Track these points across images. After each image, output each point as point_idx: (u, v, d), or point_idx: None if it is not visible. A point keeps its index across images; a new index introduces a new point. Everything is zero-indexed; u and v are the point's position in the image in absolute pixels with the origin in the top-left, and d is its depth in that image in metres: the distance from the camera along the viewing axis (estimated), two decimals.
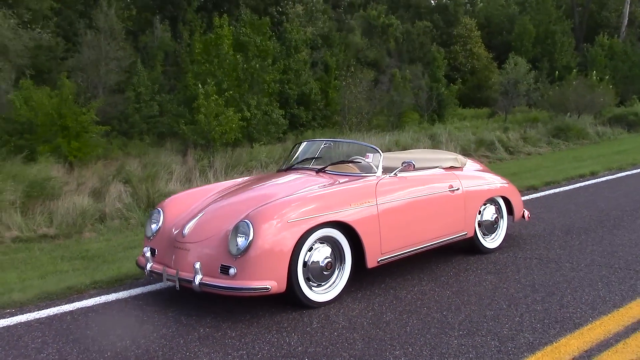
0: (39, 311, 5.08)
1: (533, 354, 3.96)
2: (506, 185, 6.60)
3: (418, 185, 5.68)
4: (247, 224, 4.62)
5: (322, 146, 6.12)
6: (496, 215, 6.44)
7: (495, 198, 6.48)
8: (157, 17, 24.55)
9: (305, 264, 4.83)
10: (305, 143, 6.33)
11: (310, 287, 4.88)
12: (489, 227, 6.39)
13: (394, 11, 34.62)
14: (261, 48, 18.31)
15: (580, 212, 8.27)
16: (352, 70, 23.73)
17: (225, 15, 19.28)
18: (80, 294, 5.51)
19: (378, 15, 30.32)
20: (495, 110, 28.14)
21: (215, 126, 14.87)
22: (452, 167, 6.24)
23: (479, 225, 6.31)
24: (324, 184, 5.40)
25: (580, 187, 10.44)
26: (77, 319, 4.88)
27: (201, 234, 4.94)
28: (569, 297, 4.98)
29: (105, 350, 4.22)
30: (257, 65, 17.97)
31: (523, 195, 9.29)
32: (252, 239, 4.55)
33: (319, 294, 4.94)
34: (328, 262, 4.92)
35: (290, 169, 6.02)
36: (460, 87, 30.77)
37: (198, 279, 4.60)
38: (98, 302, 5.26)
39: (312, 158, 6.03)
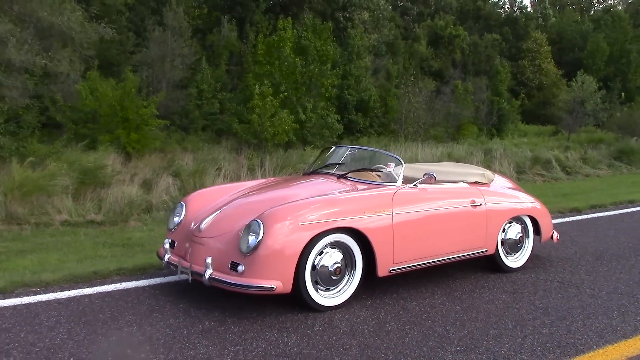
0: (61, 292, 5.32)
1: None
2: (535, 205, 6.51)
3: (438, 198, 5.69)
4: (259, 223, 4.73)
5: (347, 152, 6.19)
6: (521, 234, 6.36)
7: (522, 217, 6.41)
8: (226, 17, 25.01)
9: (314, 267, 4.91)
10: (333, 148, 6.42)
11: (317, 290, 4.95)
12: (513, 246, 6.32)
13: (463, 22, 34.30)
14: (321, 52, 18.47)
15: (618, 238, 8.07)
16: (413, 79, 23.61)
17: (289, 18, 19.54)
18: (104, 279, 5.73)
19: (445, 25, 30.11)
20: (560, 128, 27.56)
21: (268, 127, 15.09)
22: (477, 183, 6.20)
23: (502, 243, 6.25)
24: (342, 189, 5.47)
25: (626, 212, 10.16)
26: (94, 302, 5.09)
27: (216, 230, 5.08)
28: (579, 323, 4.89)
29: (111, 334, 4.41)
30: (316, 70, 18.13)
31: (565, 217, 9.20)
32: (262, 238, 4.66)
33: (326, 298, 5.01)
34: (337, 267, 4.99)
35: (314, 172, 6.12)
36: (525, 103, 30.25)
37: (208, 273, 4.74)
38: (117, 288, 5.46)
39: (337, 164, 6.10)
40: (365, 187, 5.54)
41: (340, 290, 5.10)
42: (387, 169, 5.72)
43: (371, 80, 23.38)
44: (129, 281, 5.68)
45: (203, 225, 5.17)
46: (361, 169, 5.89)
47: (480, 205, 5.90)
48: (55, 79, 17.81)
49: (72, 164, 12.20)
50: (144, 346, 4.22)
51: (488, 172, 6.52)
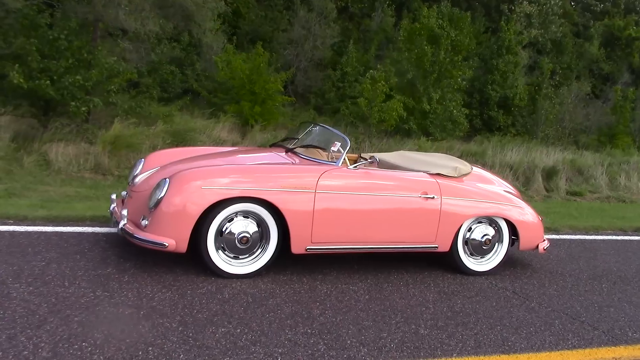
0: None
1: None
2: (517, 209, 6.07)
3: (379, 183, 5.55)
4: (165, 181, 4.97)
5: (310, 128, 6.18)
6: (488, 236, 5.98)
7: (496, 219, 6.02)
8: (385, 1, 25.06)
9: (222, 233, 5.04)
10: (305, 124, 6.44)
11: (223, 256, 5.07)
12: (477, 248, 5.97)
13: None
14: (455, 42, 18.00)
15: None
16: (558, 79, 22.15)
17: (434, 6, 19.25)
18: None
19: (625, 26, 27.70)
20: None
21: (376, 112, 15.11)
22: (440, 175, 5.91)
23: (466, 243, 5.93)
24: (281, 162, 5.53)
25: None
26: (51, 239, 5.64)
27: (144, 185, 5.40)
28: (472, 330, 4.59)
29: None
30: (447, 60, 17.73)
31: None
32: (163, 196, 4.89)
33: (232, 265, 5.12)
34: (243, 236, 5.08)
35: (274, 145, 6.20)
36: None
37: (121, 224, 5.06)
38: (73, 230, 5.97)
39: (296, 138, 6.13)
40: (306, 162, 5.54)
41: (250, 260, 5.18)
42: (333, 149, 5.66)
43: (522, 78, 22.28)
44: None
45: (137, 180, 5.51)
46: (309, 145, 5.88)
47: (434, 198, 5.65)
48: (199, 49, 19.06)
49: (175, 125, 13.19)
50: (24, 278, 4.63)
51: (463, 167, 6.17)
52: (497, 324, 4.75)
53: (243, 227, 5.10)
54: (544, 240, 6.36)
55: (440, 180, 5.80)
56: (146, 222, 4.96)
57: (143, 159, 6.02)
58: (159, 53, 18.42)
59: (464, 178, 6.09)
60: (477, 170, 6.61)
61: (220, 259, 5.09)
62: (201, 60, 19.19)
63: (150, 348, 3.71)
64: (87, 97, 12.03)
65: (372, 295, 5.12)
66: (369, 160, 5.57)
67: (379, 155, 6.65)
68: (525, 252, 6.80)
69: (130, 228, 4.99)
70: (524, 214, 6.13)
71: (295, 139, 6.18)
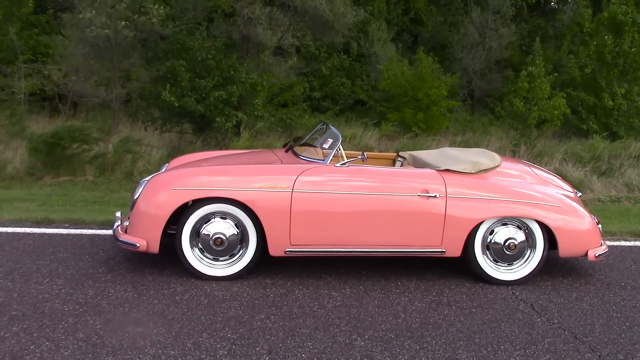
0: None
1: None
2: (555, 208, 5.21)
3: (371, 181, 5.10)
4: (142, 183, 5.08)
5: (317, 127, 5.88)
6: (513, 240, 5.21)
7: (525, 221, 5.23)
8: None
9: (199, 234, 5.02)
10: (319, 124, 6.16)
11: (201, 258, 5.05)
12: (500, 254, 5.23)
13: None
14: None
15: None
16: None
17: None
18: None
19: None
20: None
21: (535, 111, 14.00)
22: (449, 171, 5.28)
23: (487, 248, 5.24)
24: (270, 162, 5.37)
25: None
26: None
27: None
28: (419, 346, 4.05)
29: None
30: (632, 50, 15.85)
31: None
32: (137, 198, 5.00)
33: (210, 267, 5.07)
34: (217, 237, 5.00)
35: (285, 145, 6.02)
36: None
37: (115, 226, 5.27)
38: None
39: (302, 138, 5.88)
40: (289, 161, 5.31)
41: (230, 262, 5.09)
42: (324, 146, 5.34)
43: None
44: None
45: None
46: (306, 144, 5.60)
47: (436, 196, 5.07)
48: (368, 59, 19.17)
49: None
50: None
51: (486, 161, 5.43)
52: (448, 341, 4.12)
53: (218, 228, 5.01)
54: (602, 245, 5.39)
55: (447, 178, 5.18)
56: (127, 224, 5.09)
57: (167, 164, 6.18)
58: (329, 66, 18.90)
59: (488, 174, 5.37)
60: (510, 164, 5.80)
61: (197, 260, 5.05)
62: (372, 70, 19.24)
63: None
64: (233, 112, 12.70)
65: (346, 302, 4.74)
66: (358, 157, 5.16)
67: (415, 153, 6.16)
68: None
69: (118, 231, 5.14)
70: (565, 216, 5.23)
71: (301, 138, 5.94)
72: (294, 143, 5.85)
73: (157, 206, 4.93)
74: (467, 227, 5.13)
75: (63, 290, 4.68)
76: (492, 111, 19.58)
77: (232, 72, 12.82)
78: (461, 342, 4.09)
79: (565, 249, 5.26)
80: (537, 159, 13.25)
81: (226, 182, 4.95)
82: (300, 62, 17.63)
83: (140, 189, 5.04)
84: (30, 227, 6.38)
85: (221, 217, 5.04)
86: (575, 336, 4.26)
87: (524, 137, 14.06)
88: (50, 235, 6.13)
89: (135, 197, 5.04)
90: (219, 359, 3.73)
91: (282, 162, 5.29)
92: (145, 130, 13.54)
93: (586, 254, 5.29)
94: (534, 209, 5.19)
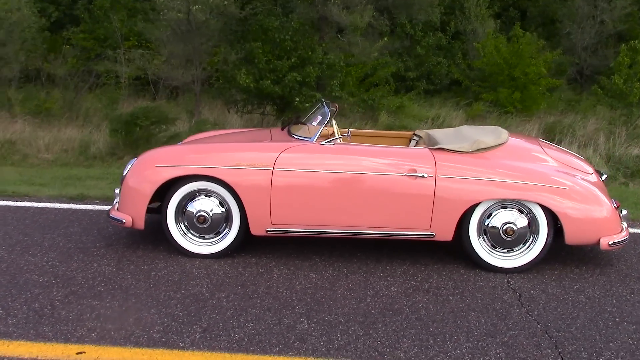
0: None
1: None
2: (562, 191, 4.75)
3: (356, 160, 4.88)
4: (132, 161, 5.16)
5: (317, 106, 5.68)
6: (512, 225, 4.81)
7: (527, 204, 4.81)
8: None
9: (184, 211, 5.04)
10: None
11: (187, 235, 5.06)
12: (497, 239, 4.85)
13: None
14: None
15: None
16: None
17: None
18: None
19: None
20: None
21: (636, 88, 12.94)
22: (443, 150, 4.93)
23: (484, 232, 4.88)
24: (259, 140, 5.28)
25: None
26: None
27: None
28: (367, 330, 3.85)
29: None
30: None
31: None
32: (125, 175, 5.09)
33: (196, 245, 5.07)
34: (200, 215, 4.99)
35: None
36: None
37: (113, 203, 5.39)
38: None
39: (301, 116, 5.72)
40: (277, 139, 5.19)
41: (215, 240, 5.07)
42: (313, 124, 5.17)
43: None
44: None
45: None
46: (298, 122, 5.43)
47: (424, 176, 4.77)
48: (464, 37, 18.49)
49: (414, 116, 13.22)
50: None
51: (488, 140, 5.01)
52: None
53: (202, 206, 5.00)
54: (621, 232, 4.86)
55: (439, 157, 4.85)
56: (117, 200, 5.20)
57: (182, 142, 6.24)
58: (424, 45, 18.39)
59: (488, 153, 4.97)
60: (518, 143, 5.35)
61: (182, 237, 5.06)
62: (470, 48, 18.50)
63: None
64: (311, 92, 12.69)
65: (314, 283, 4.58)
66: (343, 135, 4.95)
67: (431, 132, 5.84)
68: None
69: (113, 208, 5.25)
70: (573, 199, 4.74)
71: (300, 116, 5.79)
72: (292, 122, 5.71)
73: (142, 183, 4.98)
74: (458, 209, 4.79)
75: (49, 263, 4.84)
76: (602, 89, 18.34)
77: (310, 53, 12.79)
78: (412, 331, 3.83)
79: (572, 236, 4.78)
80: (633, 140, 12.23)
81: (207, 160, 4.92)
82: (395, 42, 17.30)
83: (129, 166, 5.11)
84: (59, 203, 6.65)
85: (206, 195, 5.02)
86: (546, 331, 3.87)
87: (623, 116, 13.03)
88: (74, 210, 6.37)
89: (124, 174, 5.12)
90: (151, 335, 3.71)
91: (271, 141, 5.18)
92: (228, 112, 13.79)
93: (598, 242, 4.79)
94: (536, 192, 4.75)
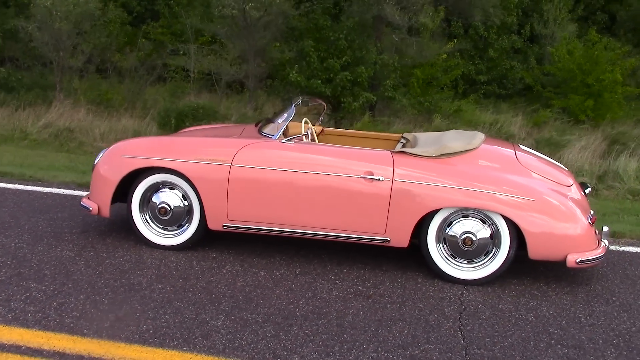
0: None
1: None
2: (527, 202, 4.46)
3: (313, 159, 4.76)
4: (104, 150, 5.27)
5: (294, 103, 5.55)
6: (470, 235, 4.55)
7: (489, 214, 4.55)
8: None
9: (149, 203, 5.10)
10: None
11: (149, 225, 5.11)
12: (456, 248, 4.60)
13: None
14: None
15: None
16: None
17: None
18: None
19: None
20: None
21: None
22: (404, 153, 4.73)
23: (444, 241, 4.65)
24: (227, 136, 5.27)
25: None
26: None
27: None
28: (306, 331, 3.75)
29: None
30: None
31: None
32: (95, 164, 5.21)
33: (158, 236, 5.11)
34: (161, 207, 5.02)
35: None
36: None
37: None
38: None
39: (276, 113, 5.65)
40: (252, 136, 5.15)
41: (176, 233, 5.09)
42: (278, 121, 5.09)
43: None
44: None
45: None
46: (269, 120, 5.36)
47: (380, 179, 4.59)
48: (542, 40, 17.82)
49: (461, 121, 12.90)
50: None
51: (455, 144, 4.74)
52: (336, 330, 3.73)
53: (165, 198, 5.03)
54: (595, 249, 4.51)
55: (399, 160, 4.66)
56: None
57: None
58: (497, 48, 17.84)
59: (454, 159, 4.72)
60: (491, 149, 5.04)
61: (144, 227, 5.11)
62: (545, 52, 17.75)
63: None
64: (362, 92, 12.59)
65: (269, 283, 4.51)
66: (304, 133, 4.85)
67: (418, 134, 5.64)
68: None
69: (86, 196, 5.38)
70: (538, 212, 4.43)
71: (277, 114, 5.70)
72: (266, 119, 5.65)
73: (108, 172, 5.07)
74: (415, 215, 4.58)
75: (17, 245, 5.00)
76: None
77: (363, 53, 12.69)
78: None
79: (536, 251, 4.48)
80: None
81: (170, 153, 4.94)
82: (466, 43, 16.88)
83: (100, 155, 5.21)
84: (66, 189, 6.86)
85: (170, 188, 5.05)
86: (466, 347, 3.63)
87: None
88: (74, 197, 6.55)
89: (94, 163, 5.22)
90: (63, 319, 3.76)
91: (239, 137, 5.15)
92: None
93: (565, 259, 4.46)
94: (498, 202, 4.48)
